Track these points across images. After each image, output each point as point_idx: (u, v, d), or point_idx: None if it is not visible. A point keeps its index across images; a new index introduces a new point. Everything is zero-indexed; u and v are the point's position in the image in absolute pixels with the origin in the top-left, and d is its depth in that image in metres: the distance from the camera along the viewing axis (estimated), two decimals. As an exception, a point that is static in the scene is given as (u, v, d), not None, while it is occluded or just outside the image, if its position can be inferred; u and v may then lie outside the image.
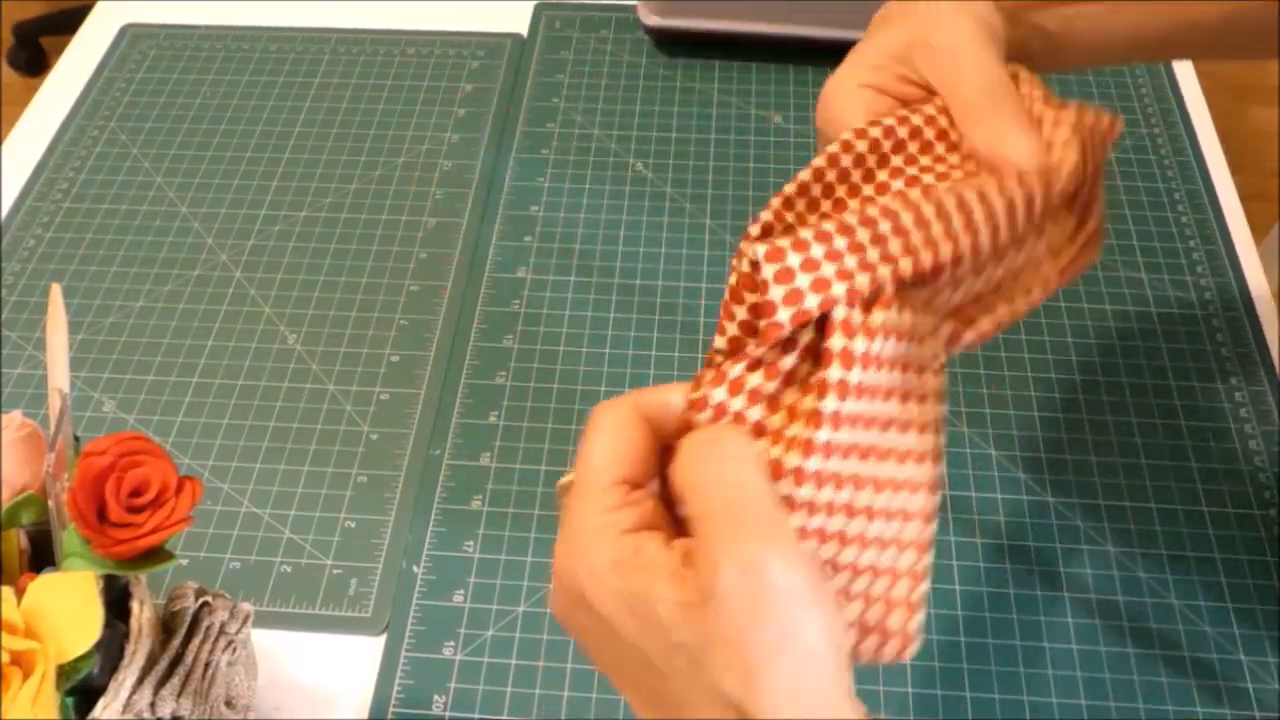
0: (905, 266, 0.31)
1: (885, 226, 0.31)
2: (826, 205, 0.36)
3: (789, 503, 0.29)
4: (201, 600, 0.43)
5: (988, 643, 0.53)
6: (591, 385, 0.63)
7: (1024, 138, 0.36)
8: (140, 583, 0.41)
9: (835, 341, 0.30)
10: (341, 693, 0.52)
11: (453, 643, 0.53)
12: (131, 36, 0.85)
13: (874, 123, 0.37)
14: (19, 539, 0.40)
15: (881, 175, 0.36)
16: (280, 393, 0.63)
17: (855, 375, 0.30)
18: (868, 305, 0.30)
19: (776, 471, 0.29)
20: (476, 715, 0.51)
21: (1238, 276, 0.67)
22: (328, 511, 0.58)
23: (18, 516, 0.40)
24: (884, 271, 0.31)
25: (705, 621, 0.27)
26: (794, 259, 0.30)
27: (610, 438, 0.30)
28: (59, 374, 0.40)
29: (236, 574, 0.56)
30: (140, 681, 0.39)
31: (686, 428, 0.31)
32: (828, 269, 0.30)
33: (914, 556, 0.31)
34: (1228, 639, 0.53)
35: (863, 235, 0.31)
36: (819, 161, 0.35)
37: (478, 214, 0.72)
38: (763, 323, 0.30)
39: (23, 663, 0.34)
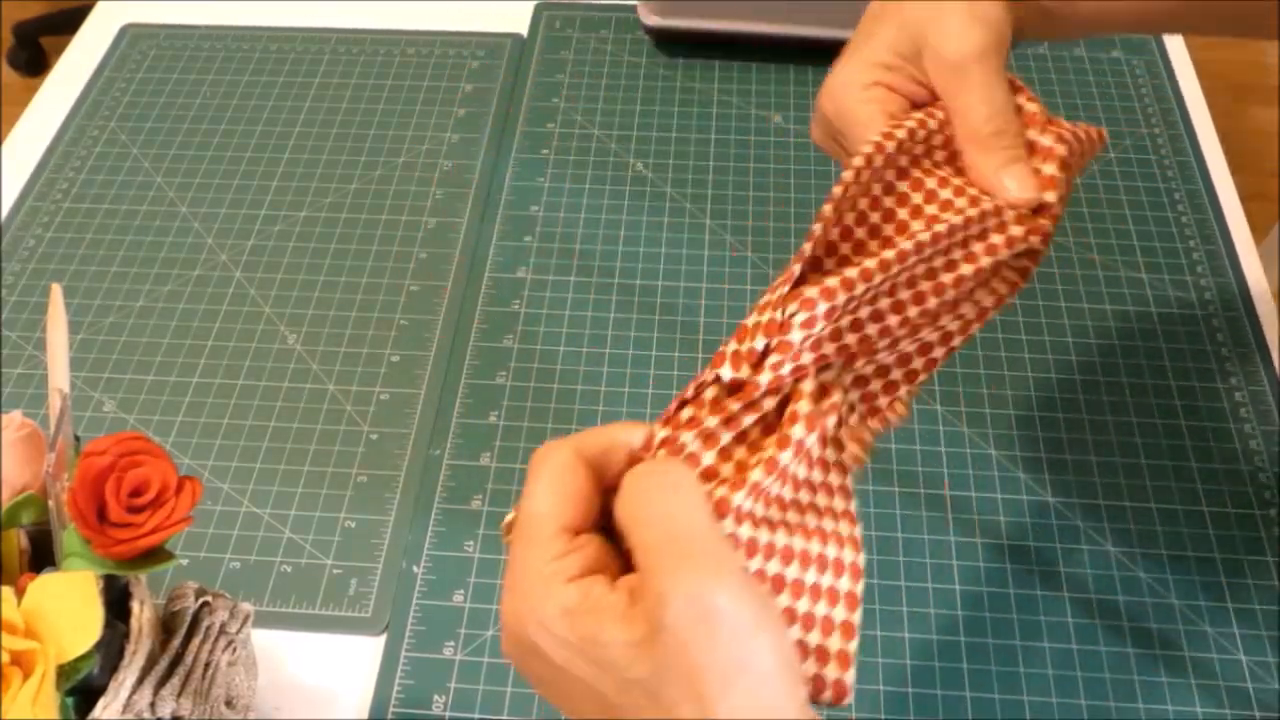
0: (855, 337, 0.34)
1: (859, 290, 0.34)
2: (861, 231, 0.37)
3: (732, 540, 0.30)
4: (201, 600, 0.43)
5: (988, 643, 0.52)
6: (591, 385, 0.63)
7: (1019, 182, 0.37)
8: (140, 583, 0.41)
9: (802, 405, 0.32)
10: (341, 693, 0.52)
11: (453, 643, 0.53)
12: (131, 36, 0.85)
13: (888, 135, 0.37)
14: (19, 539, 0.40)
15: (902, 187, 0.38)
16: (280, 393, 0.63)
17: (808, 439, 0.32)
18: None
19: (720, 509, 0.30)
20: (476, 715, 0.51)
21: (1238, 276, 0.67)
22: (328, 511, 0.58)
23: (18, 516, 0.40)
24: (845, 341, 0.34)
25: (656, 655, 0.27)
26: (798, 335, 0.32)
27: (552, 483, 0.30)
28: (59, 374, 0.40)
29: (236, 574, 0.56)
30: (140, 681, 0.39)
31: (630, 466, 0.31)
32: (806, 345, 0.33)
33: (845, 611, 0.32)
34: (1228, 639, 0.53)
35: (841, 299, 0.33)
36: (849, 177, 0.36)
37: (478, 214, 0.72)
38: (767, 374, 0.31)
39: (23, 663, 0.34)
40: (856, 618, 0.32)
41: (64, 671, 0.36)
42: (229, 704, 0.45)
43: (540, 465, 0.31)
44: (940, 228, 0.35)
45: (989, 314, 0.38)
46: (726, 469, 0.31)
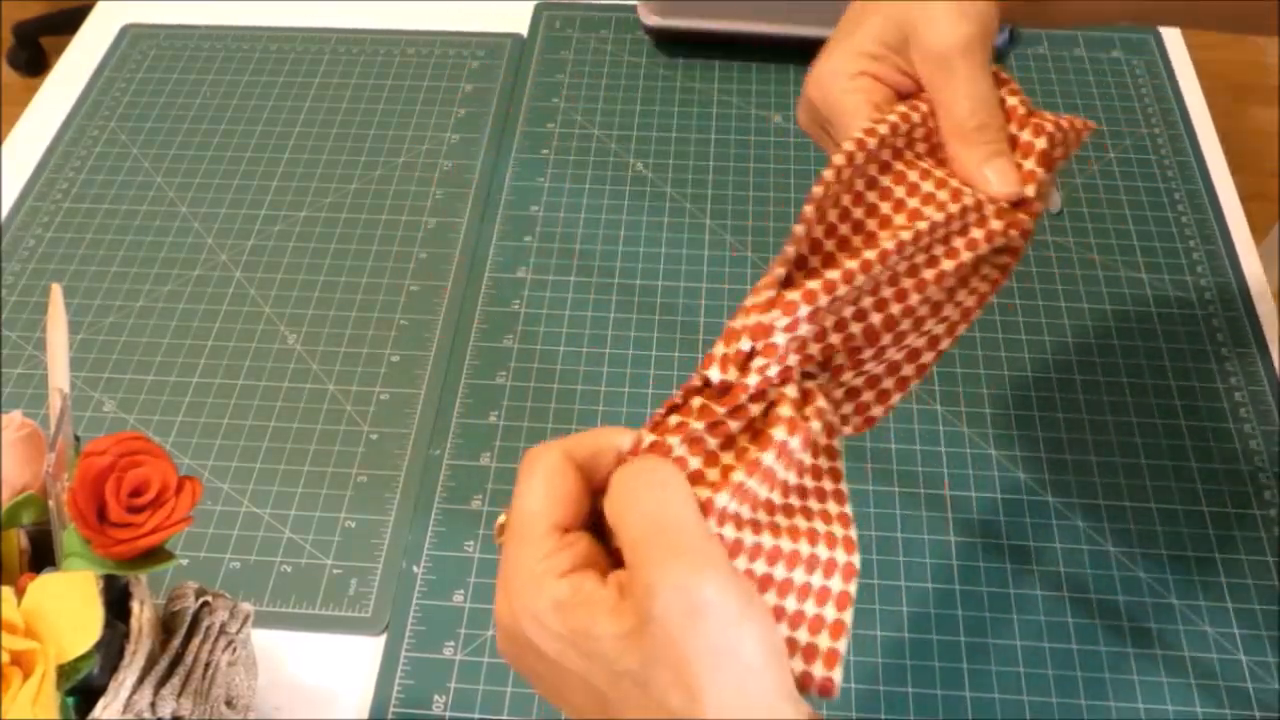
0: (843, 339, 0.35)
1: (843, 292, 0.34)
2: (844, 228, 0.37)
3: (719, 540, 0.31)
4: (201, 600, 0.43)
5: (988, 642, 0.52)
6: (591, 385, 0.63)
7: (1001, 176, 0.38)
8: (140, 583, 0.41)
9: (784, 409, 0.32)
10: (341, 693, 0.52)
11: (453, 643, 0.53)
12: (131, 36, 0.85)
13: (870, 131, 0.37)
14: (19, 539, 0.40)
15: (885, 181, 0.38)
16: (280, 393, 0.63)
17: (792, 441, 0.32)
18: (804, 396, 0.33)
19: (704, 511, 0.31)
20: (476, 715, 0.51)
21: (1238, 276, 0.67)
22: (328, 511, 0.58)
23: (18, 516, 0.40)
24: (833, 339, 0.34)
25: (645, 647, 0.27)
26: (781, 338, 0.32)
27: (543, 483, 0.31)
28: (59, 374, 0.40)
29: (236, 574, 0.56)
30: (140, 681, 0.39)
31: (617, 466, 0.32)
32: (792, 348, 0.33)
33: (835, 610, 0.32)
34: (1228, 639, 0.53)
35: (823, 300, 0.33)
36: (829, 175, 0.36)
37: (478, 214, 0.72)
38: (754, 377, 0.32)
39: (23, 663, 0.34)
40: (848, 617, 0.32)
41: (64, 671, 0.36)
42: (229, 704, 0.45)
43: (531, 466, 0.31)
44: (922, 225, 0.35)
45: (973, 314, 0.38)
46: (713, 473, 0.31)
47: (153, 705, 0.39)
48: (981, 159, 0.37)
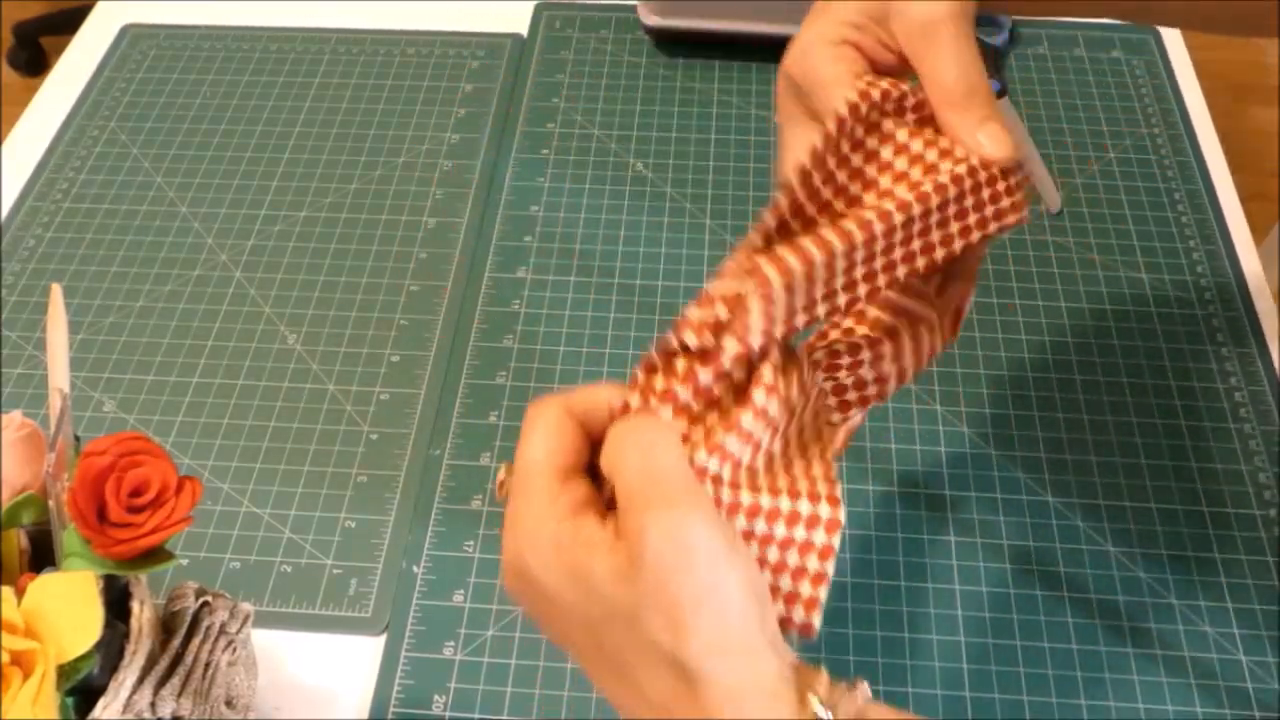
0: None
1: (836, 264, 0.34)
2: (827, 191, 0.36)
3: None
4: (201, 600, 0.43)
5: (988, 643, 0.52)
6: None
7: (994, 140, 0.38)
8: (140, 583, 0.41)
9: (765, 373, 0.33)
10: (341, 693, 0.52)
11: (453, 643, 0.53)
12: (131, 36, 0.85)
13: (864, 95, 0.37)
14: (19, 539, 0.40)
15: (871, 143, 0.38)
16: (280, 393, 0.63)
17: (770, 405, 0.33)
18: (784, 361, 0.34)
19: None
20: (476, 715, 0.51)
21: (1237, 276, 0.67)
22: (328, 511, 0.58)
23: (18, 516, 0.40)
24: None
25: (637, 586, 0.29)
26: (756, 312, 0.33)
27: (545, 433, 0.33)
28: (59, 374, 0.40)
29: (236, 574, 0.56)
30: (140, 681, 0.39)
31: (611, 422, 0.34)
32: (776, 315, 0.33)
33: (817, 562, 0.33)
34: (1228, 639, 0.53)
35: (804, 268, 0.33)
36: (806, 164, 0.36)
37: (478, 214, 0.72)
38: (733, 344, 0.32)
39: (23, 663, 0.34)
40: (829, 568, 0.33)
41: (64, 671, 0.36)
42: (229, 704, 0.45)
43: (534, 419, 0.34)
44: (916, 209, 0.35)
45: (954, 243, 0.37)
46: (696, 434, 0.33)
47: (153, 705, 0.39)
48: (974, 124, 0.38)
